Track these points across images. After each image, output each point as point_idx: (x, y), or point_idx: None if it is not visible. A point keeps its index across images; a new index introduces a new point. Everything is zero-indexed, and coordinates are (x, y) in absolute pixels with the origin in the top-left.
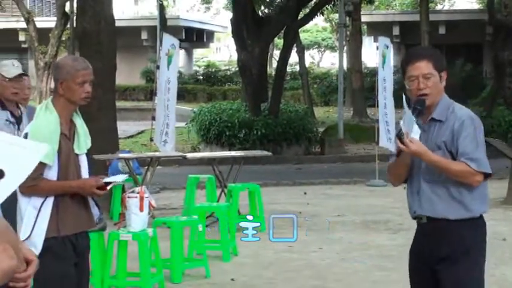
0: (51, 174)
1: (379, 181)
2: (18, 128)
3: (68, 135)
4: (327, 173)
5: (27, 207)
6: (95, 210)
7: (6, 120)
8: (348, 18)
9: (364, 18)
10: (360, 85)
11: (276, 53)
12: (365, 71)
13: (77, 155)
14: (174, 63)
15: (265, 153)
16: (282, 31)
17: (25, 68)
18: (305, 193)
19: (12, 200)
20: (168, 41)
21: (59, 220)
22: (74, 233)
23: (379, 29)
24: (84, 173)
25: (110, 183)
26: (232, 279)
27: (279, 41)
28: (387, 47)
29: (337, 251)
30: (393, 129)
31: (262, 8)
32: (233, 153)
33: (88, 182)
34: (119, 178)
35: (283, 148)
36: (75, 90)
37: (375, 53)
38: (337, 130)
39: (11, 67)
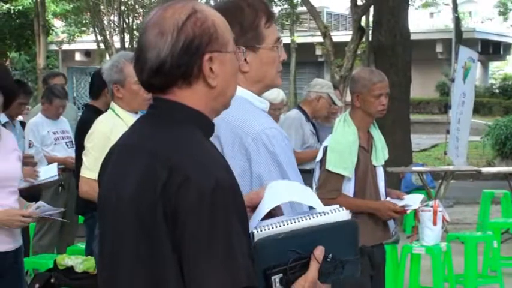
0: (349, 186)
1: None
2: (318, 140)
3: (365, 148)
4: None
5: None
6: (391, 223)
7: (310, 131)
8: None
9: None
10: None
11: None
12: None
13: (374, 166)
14: (470, 76)
15: None
16: None
17: None
18: None
19: None
20: (465, 53)
21: None
22: (370, 245)
23: None
24: (381, 185)
25: (407, 206)
26: None
27: None
28: None
29: None
30: None
31: None
32: None
33: (386, 205)
34: (415, 204)
35: None
36: (371, 103)
37: None
38: None
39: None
